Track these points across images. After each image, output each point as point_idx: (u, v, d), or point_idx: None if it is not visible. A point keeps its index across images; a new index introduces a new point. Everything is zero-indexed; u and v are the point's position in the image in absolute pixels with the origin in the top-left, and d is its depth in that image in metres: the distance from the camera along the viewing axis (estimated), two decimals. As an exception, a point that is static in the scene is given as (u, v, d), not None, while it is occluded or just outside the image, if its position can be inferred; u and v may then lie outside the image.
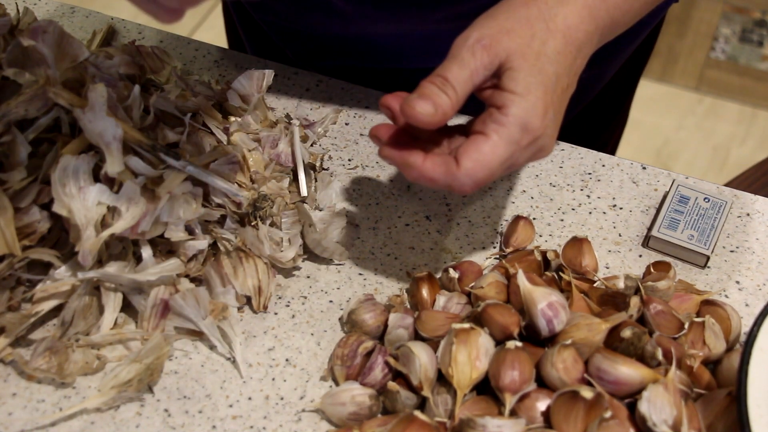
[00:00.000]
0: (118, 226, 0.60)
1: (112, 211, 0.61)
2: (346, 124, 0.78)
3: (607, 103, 0.95)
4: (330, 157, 0.75)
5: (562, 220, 0.72)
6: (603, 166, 0.76)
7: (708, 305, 0.64)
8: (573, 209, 0.73)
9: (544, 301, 0.58)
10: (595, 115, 0.94)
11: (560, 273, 0.65)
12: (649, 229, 0.71)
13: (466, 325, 0.58)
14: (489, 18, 0.57)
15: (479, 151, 0.54)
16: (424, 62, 0.66)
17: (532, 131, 0.55)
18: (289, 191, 0.71)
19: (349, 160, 0.75)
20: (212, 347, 0.64)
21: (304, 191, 0.71)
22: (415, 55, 0.80)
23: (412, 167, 0.56)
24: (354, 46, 0.81)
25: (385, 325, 0.63)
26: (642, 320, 0.61)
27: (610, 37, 0.61)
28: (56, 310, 0.63)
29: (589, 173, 0.75)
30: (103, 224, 0.61)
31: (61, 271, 0.62)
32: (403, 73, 0.83)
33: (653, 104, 2.03)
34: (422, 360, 0.57)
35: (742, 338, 0.64)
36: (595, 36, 0.58)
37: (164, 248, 0.65)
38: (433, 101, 0.54)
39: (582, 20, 0.57)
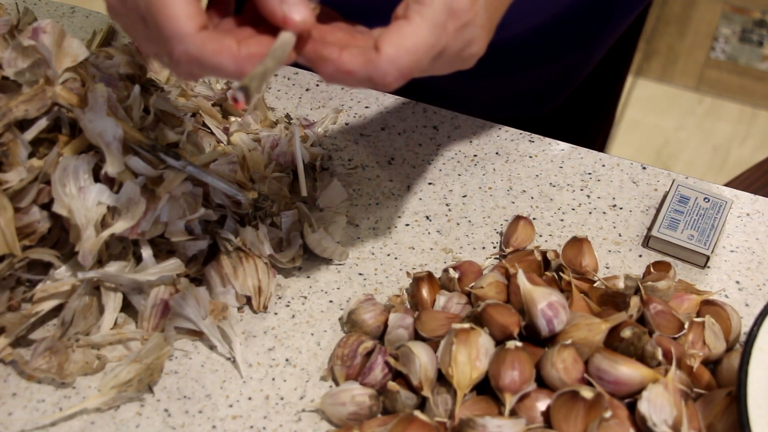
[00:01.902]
0: (118, 226, 0.60)
1: (112, 211, 0.61)
2: (346, 124, 0.78)
3: (592, 96, 0.95)
4: (330, 157, 0.75)
5: (562, 220, 0.72)
6: (603, 166, 0.76)
7: (708, 305, 0.64)
8: (573, 209, 0.73)
9: (544, 301, 0.58)
10: (580, 106, 0.93)
11: (560, 273, 0.65)
12: (649, 229, 0.71)
13: (466, 325, 0.58)
14: None
15: (401, 34, 0.49)
16: None
17: (460, 14, 0.50)
18: (289, 191, 0.71)
19: (349, 160, 0.75)
20: (212, 347, 0.64)
21: (304, 191, 0.71)
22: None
23: (327, 60, 0.49)
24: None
25: (385, 325, 0.63)
26: (642, 320, 0.61)
27: None
28: (56, 310, 0.63)
29: (589, 173, 0.75)
30: (103, 224, 0.61)
31: (61, 271, 0.62)
32: None
33: (653, 104, 2.03)
34: (422, 360, 0.57)
35: (742, 338, 0.64)
36: None
37: (164, 248, 0.65)
38: None
39: None
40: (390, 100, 0.79)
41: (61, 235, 0.65)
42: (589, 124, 0.97)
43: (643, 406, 0.54)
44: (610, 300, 0.63)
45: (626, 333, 0.58)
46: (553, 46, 0.84)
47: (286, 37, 0.49)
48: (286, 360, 0.63)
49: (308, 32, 0.50)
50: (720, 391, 0.58)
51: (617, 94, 1.01)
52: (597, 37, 0.85)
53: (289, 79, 0.81)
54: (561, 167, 0.75)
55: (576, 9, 0.80)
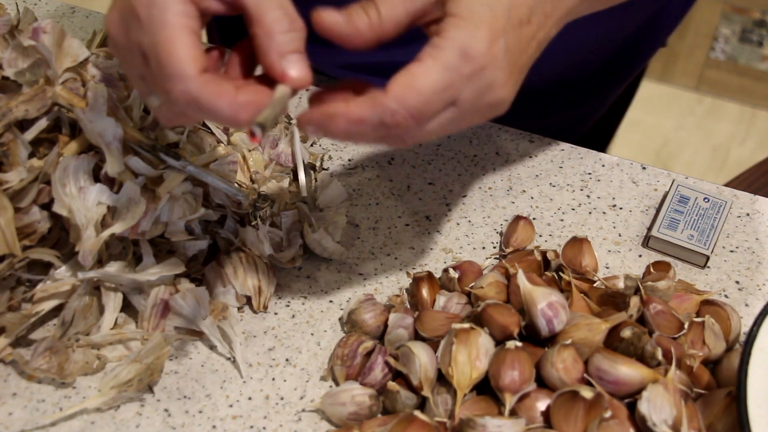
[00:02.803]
0: (118, 226, 0.60)
1: (112, 211, 0.61)
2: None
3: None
4: (330, 157, 0.75)
5: (562, 220, 0.72)
6: (603, 166, 0.76)
7: (708, 305, 0.64)
8: (573, 209, 0.73)
9: (544, 301, 0.58)
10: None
11: (560, 273, 0.65)
12: (649, 229, 0.71)
13: (466, 325, 0.58)
14: None
15: (410, 74, 0.48)
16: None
17: (475, 59, 0.48)
18: (289, 191, 0.71)
19: (349, 160, 0.75)
20: (212, 347, 0.64)
21: (304, 191, 0.71)
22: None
23: (336, 115, 0.48)
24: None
25: (385, 325, 0.63)
26: (642, 320, 0.62)
27: (597, 3, 0.54)
28: (56, 310, 0.63)
29: (589, 173, 0.75)
30: (103, 224, 0.61)
31: (61, 271, 0.62)
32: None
33: (653, 104, 2.03)
34: (422, 360, 0.57)
35: (742, 338, 0.64)
36: None
37: (164, 248, 0.65)
38: (349, 15, 0.49)
39: None
40: (390, 100, 0.79)
41: (61, 235, 0.65)
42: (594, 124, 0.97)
43: (643, 406, 0.54)
44: (610, 300, 0.63)
45: (626, 333, 0.58)
46: (572, 94, 0.83)
47: (285, 91, 0.50)
48: (286, 360, 0.63)
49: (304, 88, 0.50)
50: (720, 391, 0.58)
51: (629, 97, 1.01)
52: (614, 84, 0.85)
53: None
54: (561, 167, 0.75)
55: (596, 57, 0.80)
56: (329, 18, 0.49)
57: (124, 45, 0.51)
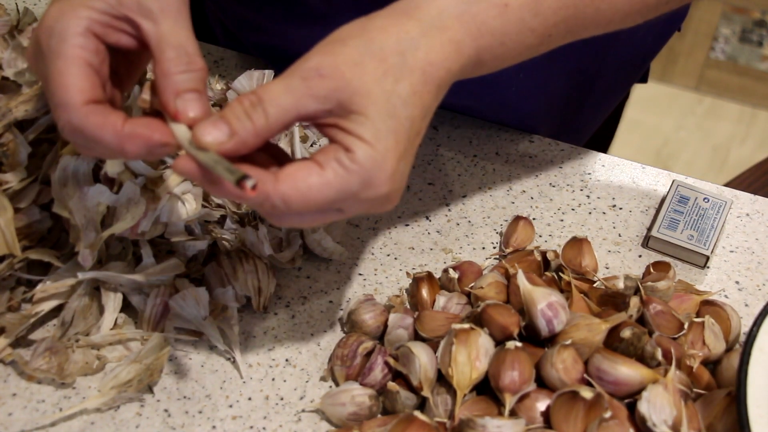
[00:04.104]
0: (118, 227, 0.60)
1: (112, 211, 0.61)
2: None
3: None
4: (330, 157, 0.75)
5: (562, 220, 0.72)
6: (603, 166, 0.76)
7: (708, 305, 0.64)
8: (573, 209, 0.73)
9: (543, 301, 0.58)
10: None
11: (560, 273, 0.65)
12: (649, 229, 0.71)
13: (466, 326, 0.58)
14: (337, 42, 0.49)
15: (305, 182, 0.48)
16: None
17: (376, 188, 0.49)
18: (289, 191, 0.71)
19: (349, 160, 0.75)
20: (212, 347, 0.64)
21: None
22: None
23: (215, 183, 0.48)
24: None
25: (385, 326, 0.63)
26: (642, 320, 0.62)
27: (469, 76, 0.54)
28: (56, 311, 0.63)
29: (589, 173, 0.75)
30: (103, 224, 0.61)
31: (61, 271, 0.62)
32: None
33: (653, 104, 2.03)
34: (422, 360, 0.57)
35: (742, 338, 0.64)
36: (457, 75, 0.52)
37: (164, 248, 0.65)
38: (230, 127, 0.48)
39: (446, 57, 0.50)
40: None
41: (61, 235, 0.65)
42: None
43: (643, 407, 0.54)
44: (610, 300, 0.63)
45: (626, 333, 0.58)
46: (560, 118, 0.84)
47: (182, 129, 0.50)
48: (286, 360, 0.63)
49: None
50: (720, 391, 0.58)
51: (625, 97, 1.01)
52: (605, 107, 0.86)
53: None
54: (561, 167, 0.75)
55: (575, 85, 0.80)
56: (209, 137, 0.48)
57: (36, 74, 0.53)
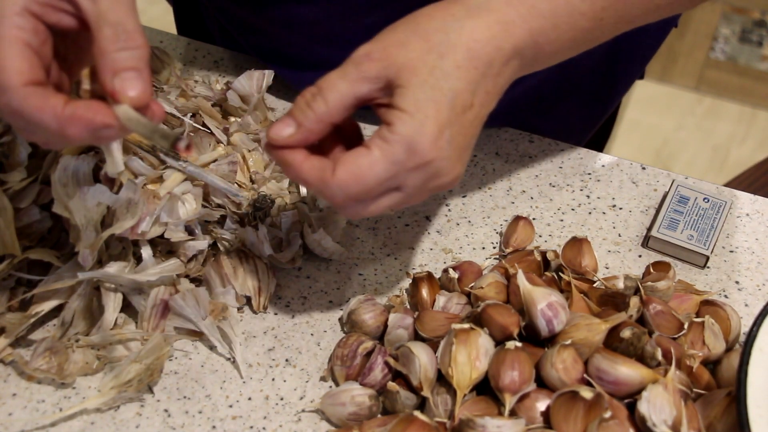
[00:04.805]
0: (118, 226, 0.60)
1: (112, 211, 0.61)
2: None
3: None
4: (330, 158, 0.75)
5: (561, 220, 0.72)
6: (602, 166, 0.76)
7: (707, 305, 0.64)
8: (573, 209, 0.73)
9: (543, 301, 0.58)
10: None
11: (560, 273, 0.65)
12: (649, 229, 0.71)
13: (466, 326, 0.58)
14: (388, 31, 0.53)
15: (356, 164, 0.51)
16: None
17: (420, 154, 0.51)
18: (289, 191, 0.71)
19: (349, 160, 0.75)
20: (212, 347, 0.64)
21: (304, 191, 0.71)
22: None
23: (290, 166, 0.53)
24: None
25: (385, 326, 0.63)
26: (642, 320, 0.62)
27: (536, 65, 0.56)
28: (56, 310, 0.63)
29: (589, 173, 0.75)
30: (103, 224, 0.61)
31: (61, 271, 0.62)
32: None
33: (653, 104, 2.03)
34: (422, 360, 0.58)
35: (742, 338, 0.64)
36: (513, 56, 0.53)
37: (164, 248, 0.65)
38: (296, 120, 0.52)
39: (493, 35, 0.52)
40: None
41: (61, 235, 0.65)
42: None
43: (643, 407, 0.54)
44: (610, 300, 0.63)
45: (626, 333, 0.58)
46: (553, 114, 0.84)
47: (125, 109, 0.49)
48: (286, 360, 0.63)
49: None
50: (720, 391, 0.58)
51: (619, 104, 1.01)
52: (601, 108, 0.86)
53: (288, 79, 0.81)
54: (561, 167, 0.75)
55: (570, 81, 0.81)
56: (277, 133, 0.52)
57: None
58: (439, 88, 0.51)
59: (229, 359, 0.63)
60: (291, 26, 0.76)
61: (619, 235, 0.71)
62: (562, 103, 0.82)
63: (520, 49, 0.53)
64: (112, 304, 0.63)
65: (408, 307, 0.66)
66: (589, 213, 0.72)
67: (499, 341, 0.59)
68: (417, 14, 0.53)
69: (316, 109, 0.52)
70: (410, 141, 0.50)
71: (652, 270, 0.66)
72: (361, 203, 0.53)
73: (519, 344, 0.57)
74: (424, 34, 0.52)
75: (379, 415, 0.59)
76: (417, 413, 0.55)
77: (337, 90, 0.51)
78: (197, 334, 0.64)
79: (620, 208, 0.73)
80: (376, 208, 0.53)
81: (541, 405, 0.56)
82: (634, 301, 0.61)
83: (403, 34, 0.52)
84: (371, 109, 0.54)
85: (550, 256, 0.67)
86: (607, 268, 0.69)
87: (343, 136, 0.56)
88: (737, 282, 0.68)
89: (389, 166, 0.51)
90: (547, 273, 0.66)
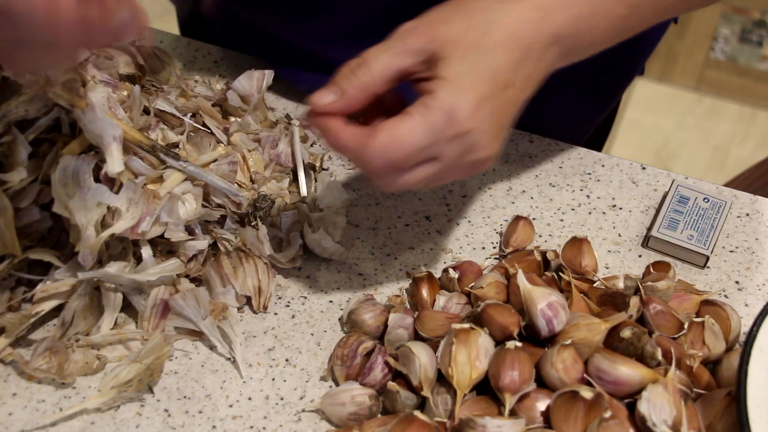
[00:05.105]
0: (118, 227, 0.60)
1: (112, 211, 0.61)
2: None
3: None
4: (330, 157, 0.75)
5: (561, 220, 0.72)
6: (602, 166, 0.76)
7: (707, 305, 0.64)
8: (573, 209, 0.73)
9: (543, 301, 0.58)
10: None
11: (560, 273, 0.65)
12: (649, 229, 0.71)
13: (466, 325, 0.58)
14: (434, 10, 0.54)
15: (397, 128, 0.51)
16: None
17: (459, 122, 0.51)
18: (289, 191, 0.71)
19: (349, 160, 0.75)
20: (212, 347, 0.64)
21: (304, 191, 0.71)
22: None
23: (330, 131, 0.54)
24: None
25: (385, 325, 0.63)
26: (642, 320, 0.62)
27: (576, 54, 0.57)
28: (56, 310, 0.63)
29: (589, 173, 0.75)
30: (103, 224, 0.61)
31: (61, 271, 0.62)
32: None
33: (653, 104, 2.03)
34: (422, 360, 0.58)
35: (742, 338, 0.64)
36: (552, 42, 0.55)
37: (164, 248, 0.65)
38: (339, 86, 0.53)
39: (534, 19, 0.54)
40: (390, 100, 0.79)
41: (61, 235, 0.65)
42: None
43: (643, 406, 0.54)
44: (610, 300, 0.63)
45: (626, 333, 0.58)
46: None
47: None
48: (286, 360, 0.63)
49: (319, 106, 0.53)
50: (720, 391, 0.58)
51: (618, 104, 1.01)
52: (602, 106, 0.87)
53: (289, 79, 0.81)
54: (561, 167, 0.75)
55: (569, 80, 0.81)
56: (326, 99, 0.53)
57: None
58: (481, 62, 0.52)
59: (229, 359, 0.63)
60: (293, 27, 0.76)
61: (619, 235, 0.71)
62: (561, 96, 0.82)
63: (559, 36, 0.55)
64: (112, 304, 0.63)
65: (408, 307, 0.66)
66: (589, 213, 0.72)
67: (499, 341, 0.59)
68: None
69: (360, 77, 0.53)
70: (450, 108, 0.51)
71: (652, 270, 0.66)
72: (398, 172, 0.53)
73: (519, 344, 0.57)
74: (467, 12, 0.53)
75: (379, 415, 0.59)
76: (417, 413, 0.55)
77: (381, 61, 0.53)
78: (197, 334, 0.64)
79: (620, 208, 0.73)
80: (411, 178, 0.54)
81: (541, 405, 0.56)
82: (634, 301, 0.61)
83: (446, 12, 0.54)
84: (411, 84, 0.54)
85: (550, 256, 0.67)
86: (607, 268, 0.69)
87: (384, 110, 0.56)
88: (737, 282, 0.68)
89: (429, 133, 0.51)
90: (547, 273, 0.66)
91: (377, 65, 0.53)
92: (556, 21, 0.54)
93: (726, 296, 0.68)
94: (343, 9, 0.73)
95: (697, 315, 0.64)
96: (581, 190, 0.74)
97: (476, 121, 0.52)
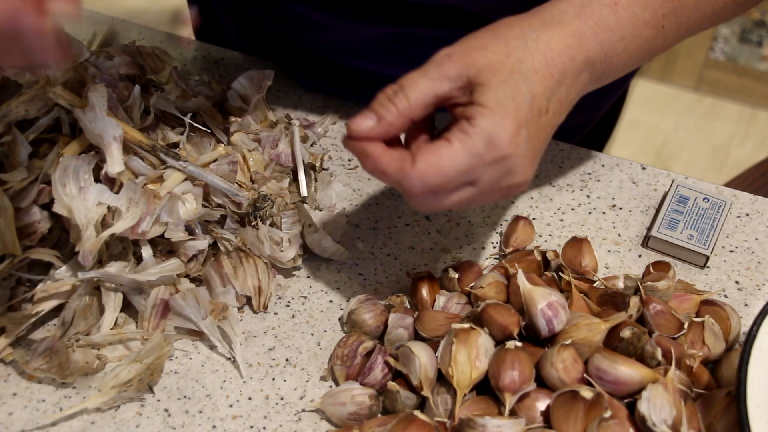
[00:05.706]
0: (119, 226, 0.60)
1: (113, 211, 0.61)
2: (347, 124, 0.78)
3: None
4: (330, 157, 0.75)
5: (561, 220, 0.72)
6: (602, 166, 0.76)
7: (707, 305, 0.64)
8: (573, 209, 0.73)
9: (543, 301, 0.58)
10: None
11: (560, 273, 0.65)
12: (649, 229, 0.71)
13: (466, 325, 0.58)
14: (469, 36, 0.55)
15: (437, 154, 0.52)
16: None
17: (499, 147, 0.52)
18: (289, 191, 0.71)
19: (349, 160, 0.75)
20: (212, 347, 0.64)
21: (304, 191, 0.71)
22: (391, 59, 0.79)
23: (369, 157, 0.54)
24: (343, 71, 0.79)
25: (385, 325, 0.63)
26: (642, 320, 0.62)
27: (604, 78, 0.58)
28: (56, 310, 0.63)
29: (589, 173, 0.75)
30: (104, 224, 0.61)
31: (62, 271, 0.62)
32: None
33: (653, 104, 2.03)
34: (422, 360, 0.58)
35: (742, 338, 0.64)
36: (584, 68, 0.56)
37: (164, 248, 0.65)
38: (377, 113, 0.54)
39: (568, 46, 0.55)
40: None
41: (61, 235, 0.65)
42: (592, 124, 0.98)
43: (643, 406, 0.54)
44: (610, 300, 0.63)
45: (626, 333, 0.58)
46: None
47: None
48: (286, 360, 0.63)
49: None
50: (719, 391, 0.58)
51: (623, 96, 1.01)
52: (599, 101, 0.87)
53: (289, 79, 0.81)
54: (561, 167, 0.75)
55: None
56: (358, 126, 0.54)
57: None
58: (519, 88, 0.53)
59: (229, 359, 0.63)
60: (296, 28, 0.76)
61: (619, 235, 0.71)
62: None
63: (591, 62, 0.56)
64: (112, 304, 0.63)
65: (408, 307, 0.66)
66: (589, 213, 0.72)
67: (499, 341, 0.59)
68: (496, 24, 0.55)
69: (397, 104, 0.53)
70: (490, 134, 0.52)
71: (652, 270, 0.66)
72: (436, 196, 0.54)
73: (519, 344, 0.57)
74: (503, 39, 0.54)
75: (379, 415, 0.59)
76: (417, 413, 0.55)
77: (419, 87, 0.53)
78: (197, 334, 0.64)
79: (620, 208, 0.73)
80: (448, 201, 0.54)
81: (541, 405, 0.56)
82: (634, 301, 0.61)
83: (482, 39, 0.54)
84: (447, 111, 0.55)
85: (550, 256, 0.67)
86: (607, 267, 0.69)
87: (418, 133, 0.57)
88: (737, 282, 0.68)
89: (469, 159, 0.52)
90: (547, 273, 0.66)
91: (414, 92, 0.53)
92: (587, 47, 0.55)
93: (726, 296, 0.68)
94: (346, 29, 0.73)
95: (697, 315, 0.64)
96: (581, 190, 0.74)
97: (515, 147, 0.53)
